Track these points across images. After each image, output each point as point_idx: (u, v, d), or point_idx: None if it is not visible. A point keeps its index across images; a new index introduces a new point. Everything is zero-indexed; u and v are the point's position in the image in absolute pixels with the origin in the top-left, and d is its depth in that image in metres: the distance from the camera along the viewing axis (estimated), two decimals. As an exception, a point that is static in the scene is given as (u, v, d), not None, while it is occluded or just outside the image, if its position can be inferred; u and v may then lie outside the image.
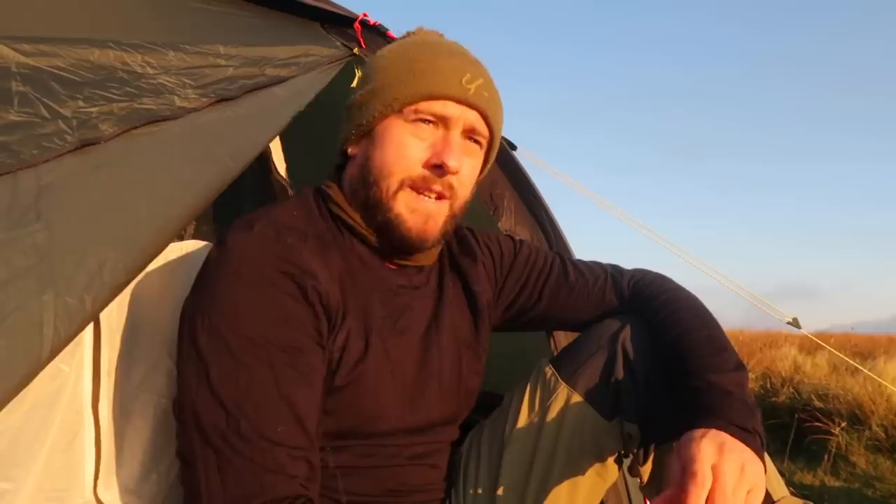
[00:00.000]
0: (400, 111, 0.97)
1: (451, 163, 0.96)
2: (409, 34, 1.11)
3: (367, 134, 1.01)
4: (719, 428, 0.84)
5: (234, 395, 0.83)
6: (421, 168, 0.97)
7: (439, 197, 0.99)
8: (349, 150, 1.04)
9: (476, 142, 1.03)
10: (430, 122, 0.98)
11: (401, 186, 0.97)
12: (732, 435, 0.83)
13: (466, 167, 1.01)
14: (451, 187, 0.99)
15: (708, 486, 0.78)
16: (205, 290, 0.89)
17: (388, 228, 0.99)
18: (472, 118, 0.99)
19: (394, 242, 1.01)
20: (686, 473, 0.79)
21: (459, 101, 0.97)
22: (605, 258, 1.28)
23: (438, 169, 0.97)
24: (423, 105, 0.97)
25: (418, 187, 0.98)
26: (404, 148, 0.97)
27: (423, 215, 0.99)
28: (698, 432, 0.84)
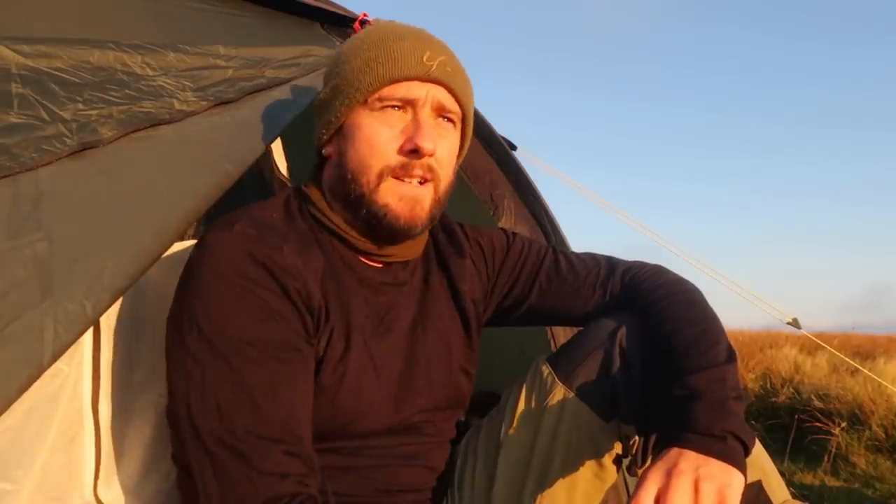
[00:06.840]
0: (365, 102, 0.96)
1: (426, 144, 0.94)
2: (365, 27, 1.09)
3: (338, 132, 1.00)
4: (680, 445, 0.84)
5: (225, 396, 0.83)
6: (397, 155, 0.95)
7: (422, 181, 0.98)
8: (324, 152, 1.03)
9: (449, 120, 1.01)
10: (397, 107, 0.96)
11: (381, 178, 0.96)
12: (692, 449, 0.83)
13: (443, 148, 0.99)
14: (431, 169, 0.97)
15: None
16: (189, 292, 0.89)
17: (375, 220, 0.97)
18: (440, 95, 0.97)
19: (383, 233, 1.00)
20: None
21: (422, 80, 0.95)
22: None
23: (414, 153, 0.95)
24: (387, 91, 0.95)
25: (399, 175, 0.96)
26: (375, 138, 0.95)
27: (411, 201, 0.97)
28: (651, 467, 0.84)
